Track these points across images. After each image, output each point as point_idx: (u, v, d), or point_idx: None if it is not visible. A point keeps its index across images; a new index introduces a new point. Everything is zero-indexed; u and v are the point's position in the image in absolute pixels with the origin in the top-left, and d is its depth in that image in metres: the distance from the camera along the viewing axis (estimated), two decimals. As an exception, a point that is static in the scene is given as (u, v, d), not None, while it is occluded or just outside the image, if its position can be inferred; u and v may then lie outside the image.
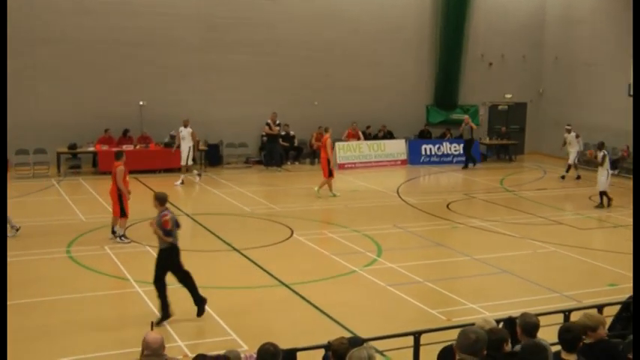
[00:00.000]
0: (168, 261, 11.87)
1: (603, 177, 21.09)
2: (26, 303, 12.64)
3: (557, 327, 6.96)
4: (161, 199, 12.07)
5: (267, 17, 28.44)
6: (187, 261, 13.60)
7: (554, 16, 32.69)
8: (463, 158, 29.21)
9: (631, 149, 26.91)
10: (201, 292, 12.04)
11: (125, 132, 26.37)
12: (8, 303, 12.51)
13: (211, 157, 27.79)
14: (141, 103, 26.79)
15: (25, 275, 14.21)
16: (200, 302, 11.97)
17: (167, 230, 11.74)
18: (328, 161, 21.96)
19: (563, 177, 26.28)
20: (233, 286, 13.74)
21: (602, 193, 21.33)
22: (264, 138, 28.33)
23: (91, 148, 25.77)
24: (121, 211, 16.40)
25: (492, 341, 6.39)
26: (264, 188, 23.62)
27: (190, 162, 24.27)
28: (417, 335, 8.60)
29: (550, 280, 14.17)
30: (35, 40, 25.49)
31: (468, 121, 29.01)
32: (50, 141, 25.01)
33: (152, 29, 26.91)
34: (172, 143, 26.56)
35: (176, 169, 25.06)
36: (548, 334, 7.25)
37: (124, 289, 13.58)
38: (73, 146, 25.44)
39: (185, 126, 24.17)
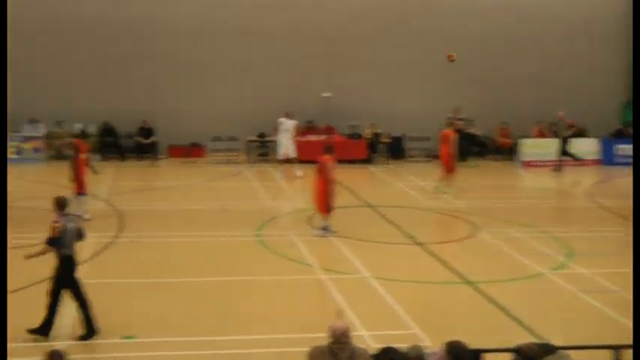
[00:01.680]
0: (61, 274, 10.52)
1: None
2: (217, 281, 13.18)
3: None
4: (60, 204, 10.70)
5: (453, 9, 28.00)
6: (369, 251, 13.78)
7: None
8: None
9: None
10: (384, 284, 11.98)
11: (309, 122, 26.94)
12: (201, 279, 13.18)
13: (394, 149, 27.80)
14: (326, 94, 27.16)
15: (216, 255, 14.84)
16: (90, 329, 10.55)
17: (52, 238, 10.40)
18: (451, 157, 21.38)
19: None
20: (416, 280, 13.62)
21: None
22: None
23: (275, 137, 26.44)
24: (326, 207, 16.19)
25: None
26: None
27: (293, 154, 23.64)
28: (616, 349, 8.05)
29: None
30: (229, 32, 26.49)
31: None
32: (241, 129, 25.93)
33: (341, 24, 27.24)
34: (355, 134, 26.84)
35: (360, 161, 25.38)
36: None
37: (309, 275, 13.79)
38: (261, 135, 26.32)
39: (287, 117, 23.95)
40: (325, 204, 16.15)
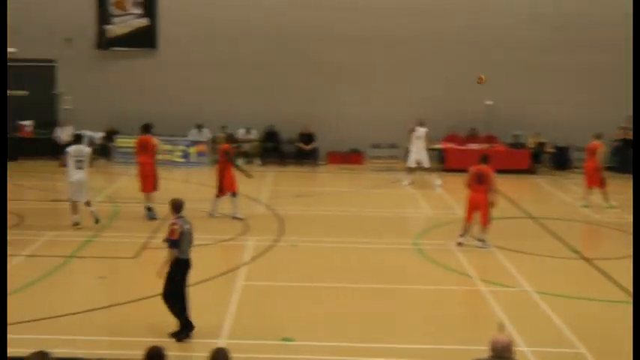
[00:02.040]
0: (175, 275, 10.64)
1: None
2: (373, 288, 13.10)
3: None
4: (175, 206, 10.87)
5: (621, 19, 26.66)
6: (531, 264, 13.33)
7: None
8: None
9: None
10: (547, 299, 11.48)
11: (472, 130, 26.47)
12: (356, 286, 13.14)
13: (558, 160, 26.81)
14: (489, 102, 26.57)
15: (373, 262, 14.76)
16: (184, 327, 10.67)
17: (172, 240, 10.54)
18: (598, 170, 20.06)
19: None
20: (582, 296, 12.96)
21: None
22: (619, 143, 26.62)
23: (438, 145, 26.18)
24: (488, 218, 15.70)
25: None
26: (615, 196, 22.16)
27: (427, 164, 23.18)
28: None
29: None
30: (390, 39, 26.45)
31: None
32: (401, 136, 25.74)
33: (501, 30, 26.59)
34: (518, 143, 26.13)
35: (522, 171, 24.70)
36: None
37: (468, 287, 13.46)
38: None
39: (420, 125, 23.27)
40: (487, 215, 15.68)
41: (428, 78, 26.74)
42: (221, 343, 10.29)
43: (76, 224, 16.64)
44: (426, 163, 23.11)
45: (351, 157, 26.80)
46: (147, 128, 18.46)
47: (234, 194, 18.04)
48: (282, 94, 26.78)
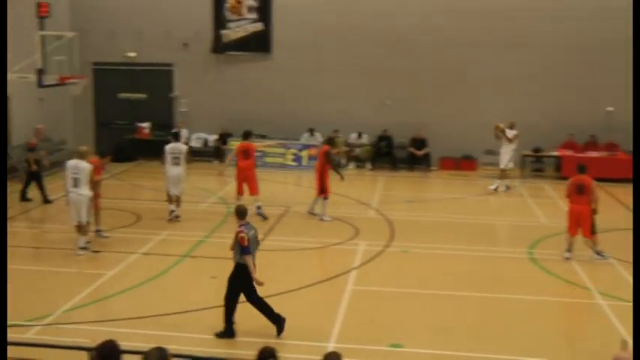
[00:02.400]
0: (241, 279, 10.79)
1: None
2: (483, 297, 12.80)
3: None
4: (240, 213, 11.01)
5: None
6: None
7: None
8: None
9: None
10: None
11: (591, 137, 25.57)
12: (467, 294, 12.85)
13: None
14: (609, 109, 25.61)
15: (484, 270, 14.43)
16: (278, 321, 10.89)
17: (244, 247, 10.65)
18: None
19: None
20: None
21: None
22: None
23: (555, 153, 25.43)
24: (591, 231, 15.06)
25: None
26: None
27: (510, 165, 22.78)
28: None
29: None
30: (506, 44, 25.88)
31: None
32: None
33: (622, 33, 25.54)
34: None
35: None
36: None
37: (586, 299, 12.93)
38: (537, 149, 25.41)
39: (511, 127, 22.64)
40: (589, 228, 14.99)
41: (545, 83, 25.99)
42: (330, 346, 10.26)
43: (171, 212, 17.80)
44: (504, 164, 22.61)
45: (463, 163, 26.36)
46: (248, 135, 19.21)
47: (326, 197, 18.35)
48: (394, 98, 26.61)
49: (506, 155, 22.67)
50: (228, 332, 10.81)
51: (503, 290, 13.18)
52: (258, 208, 18.32)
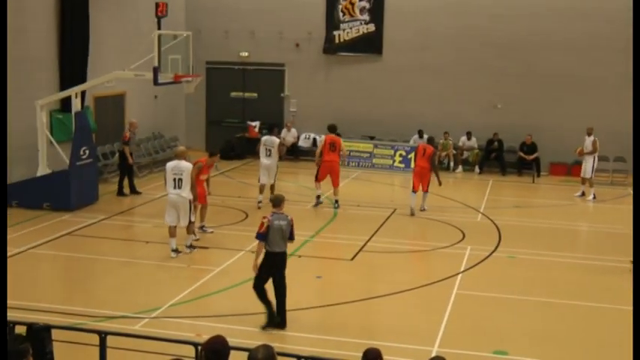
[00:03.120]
0: (262, 267, 11.02)
1: None
2: (588, 306, 12.47)
3: None
4: (274, 201, 11.31)
5: None
6: None
7: None
8: None
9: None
10: None
11: None
12: (572, 303, 12.51)
13: None
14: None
15: (590, 279, 14.03)
16: (271, 317, 11.05)
17: (259, 233, 10.89)
18: None
19: None
20: None
21: None
22: None
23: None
24: None
25: None
26: None
27: (588, 175, 21.91)
28: None
29: None
30: (614, 48, 25.03)
31: None
32: (629, 149, 24.24)
33: None
34: None
35: None
36: None
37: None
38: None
39: (588, 134, 21.92)
40: None
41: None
42: (433, 350, 10.19)
43: (259, 202, 18.98)
44: (588, 174, 21.92)
45: (574, 169, 25.62)
46: (334, 128, 20.15)
47: (426, 192, 19.31)
48: (505, 102, 26.15)
49: (589, 164, 22.00)
50: (269, 320, 11.04)
51: (608, 300, 12.77)
52: (336, 202, 19.27)
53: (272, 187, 19.25)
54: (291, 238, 11.11)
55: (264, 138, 19.71)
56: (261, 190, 19.15)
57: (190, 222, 14.78)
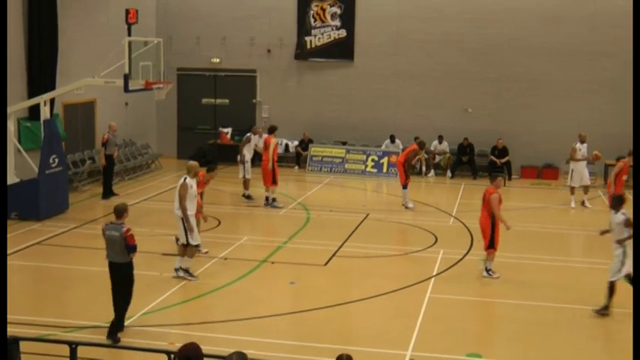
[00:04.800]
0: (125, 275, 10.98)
1: None
2: (563, 308, 12.54)
3: None
4: (114, 211, 11.04)
5: None
6: None
7: None
8: None
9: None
10: None
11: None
12: (547, 304, 12.57)
13: None
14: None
15: (565, 280, 14.12)
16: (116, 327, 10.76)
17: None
18: None
19: None
20: None
21: None
22: None
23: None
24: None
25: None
26: None
27: (587, 182, 21.51)
28: None
29: None
30: (586, 52, 25.34)
31: None
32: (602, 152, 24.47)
33: None
34: None
35: None
36: None
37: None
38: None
39: (581, 142, 21.58)
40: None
41: (629, 91, 25.20)
42: (407, 354, 10.19)
43: (248, 196, 20.18)
44: (587, 181, 21.56)
45: (545, 171, 25.84)
46: (271, 129, 20.65)
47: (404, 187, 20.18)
48: (476, 106, 26.31)
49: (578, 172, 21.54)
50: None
51: (581, 301, 12.82)
52: (266, 199, 20.06)
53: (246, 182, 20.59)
54: (128, 249, 10.81)
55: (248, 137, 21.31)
56: (246, 186, 20.63)
57: (187, 244, 13.69)
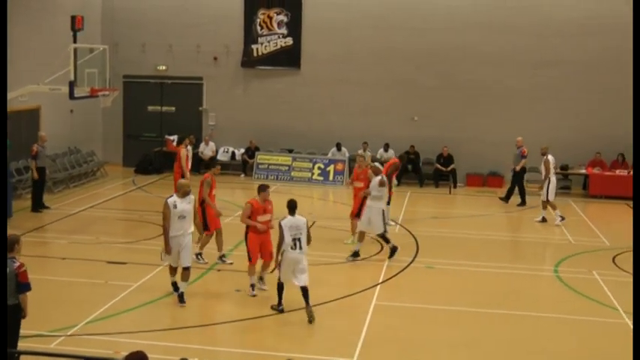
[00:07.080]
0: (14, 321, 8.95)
1: None
2: (506, 314, 12.75)
3: None
4: (9, 244, 8.99)
5: None
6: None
7: None
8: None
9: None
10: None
11: (619, 156, 25.27)
12: (490, 311, 12.80)
13: None
14: (638, 127, 25.39)
15: (510, 288, 14.38)
16: None
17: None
18: None
19: None
20: None
21: None
22: None
23: (582, 171, 25.29)
24: None
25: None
26: None
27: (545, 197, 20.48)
28: None
29: None
30: (531, 61, 25.87)
31: None
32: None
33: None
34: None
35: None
36: None
37: (610, 319, 12.81)
38: (564, 167, 25.16)
39: (544, 154, 20.84)
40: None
41: (572, 100, 25.86)
42: (352, 362, 10.26)
43: None
44: (544, 196, 20.55)
45: (490, 179, 26.29)
46: (180, 140, 20.70)
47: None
48: (422, 114, 26.63)
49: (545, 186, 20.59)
50: None
51: (527, 308, 13.13)
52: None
53: None
54: (20, 288, 8.89)
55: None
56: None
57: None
